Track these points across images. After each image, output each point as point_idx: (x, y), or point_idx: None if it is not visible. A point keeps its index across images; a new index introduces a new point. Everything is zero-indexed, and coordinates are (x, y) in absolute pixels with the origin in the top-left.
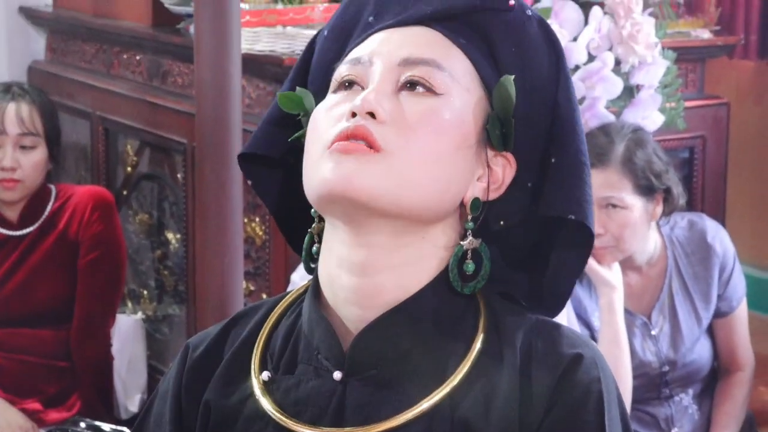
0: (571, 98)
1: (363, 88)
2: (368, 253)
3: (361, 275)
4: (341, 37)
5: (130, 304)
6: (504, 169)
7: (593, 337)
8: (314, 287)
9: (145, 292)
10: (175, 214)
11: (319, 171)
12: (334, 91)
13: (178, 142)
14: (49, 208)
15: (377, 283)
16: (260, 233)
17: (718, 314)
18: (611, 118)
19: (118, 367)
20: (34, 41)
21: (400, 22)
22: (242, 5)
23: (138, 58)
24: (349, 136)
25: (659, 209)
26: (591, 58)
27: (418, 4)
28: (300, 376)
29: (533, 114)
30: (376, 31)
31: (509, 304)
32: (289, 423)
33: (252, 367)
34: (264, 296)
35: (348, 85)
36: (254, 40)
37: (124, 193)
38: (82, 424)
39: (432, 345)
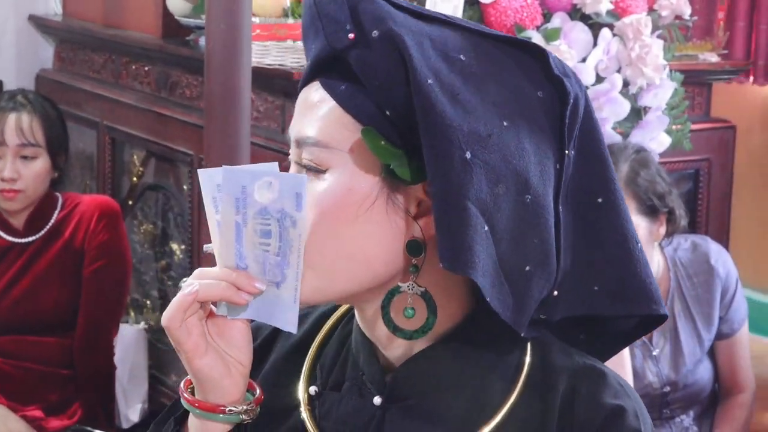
0: (429, 104)
1: None
2: (366, 313)
3: (372, 325)
4: None
5: (132, 314)
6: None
7: None
8: None
9: (148, 302)
10: (179, 225)
11: None
12: None
13: (185, 153)
14: (55, 216)
15: (390, 332)
16: None
17: (720, 336)
18: (618, 138)
19: (120, 376)
20: (42, 49)
21: (305, 80)
22: (253, 19)
23: (146, 69)
24: None
25: (662, 230)
26: (599, 79)
27: (310, 55)
28: (344, 394)
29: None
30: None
31: (559, 342)
32: None
33: (302, 377)
34: None
35: None
36: (264, 54)
37: (129, 203)
38: None
39: (473, 381)
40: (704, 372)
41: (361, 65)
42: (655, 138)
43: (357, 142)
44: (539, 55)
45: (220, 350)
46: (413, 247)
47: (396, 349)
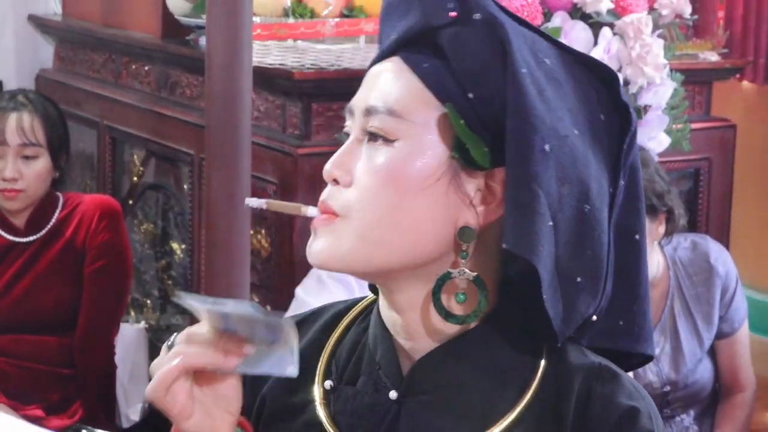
0: (522, 90)
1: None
2: (397, 297)
3: (400, 312)
4: None
5: (133, 313)
6: (502, 184)
7: None
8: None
9: (149, 302)
10: (180, 224)
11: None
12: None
13: (186, 152)
14: (56, 215)
15: (419, 319)
16: (266, 245)
17: (720, 335)
18: None
19: (120, 375)
20: (42, 49)
21: (382, 56)
22: (254, 18)
23: (146, 68)
24: (319, 211)
25: (661, 229)
26: None
27: (394, 31)
28: (360, 388)
29: (503, 121)
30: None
31: (576, 346)
32: None
33: (317, 373)
34: (268, 308)
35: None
36: (264, 54)
37: (130, 202)
38: None
39: (490, 379)
40: (704, 371)
41: (456, 44)
42: (655, 137)
43: (432, 118)
44: (610, 79)
45: (208, 406)
46: (466, 233)
47: (419, 341)
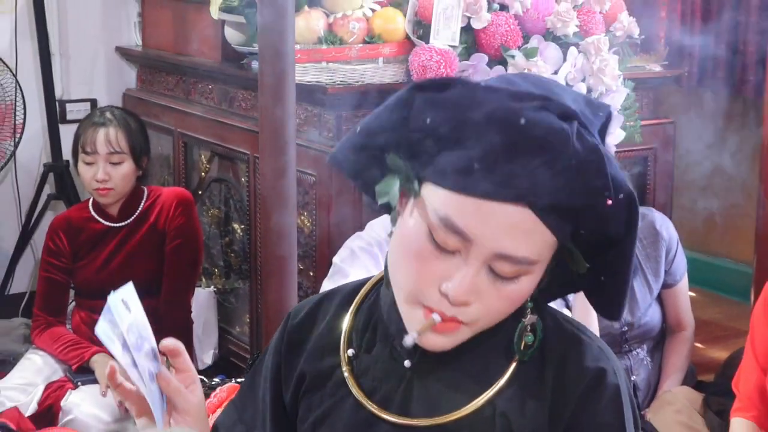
0: (632, 248)
1: (454, 252)
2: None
3: None
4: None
5: (204, 280)
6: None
7: (568, 306)
8: None
9: (216, 270)
10: (239, 210)
11: (413, 321)
12: (429, 239)
13: (243, 153)
14: (141, 205)
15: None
16: (308, 224)
17: (665, 286)
18: None
19: (195, 329)
20: (127, 74)
21: (496, 196)
22: (295, 45)
23: (210, 87)
24: (443, 320)
25: None
26: (568, 87)
27: (515, 179)
28: (377, 356)
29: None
30: (468, 194)
31: (552, 317)
32: (363, 400)
33: (341, 342)
34: (311, 274)
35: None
36: (304, 73)
37: (199, 192)
38: None
39: (485, 352)
40: (654, 314)
41: (602, 215)
42: (612, 132)
43: (549, 253)
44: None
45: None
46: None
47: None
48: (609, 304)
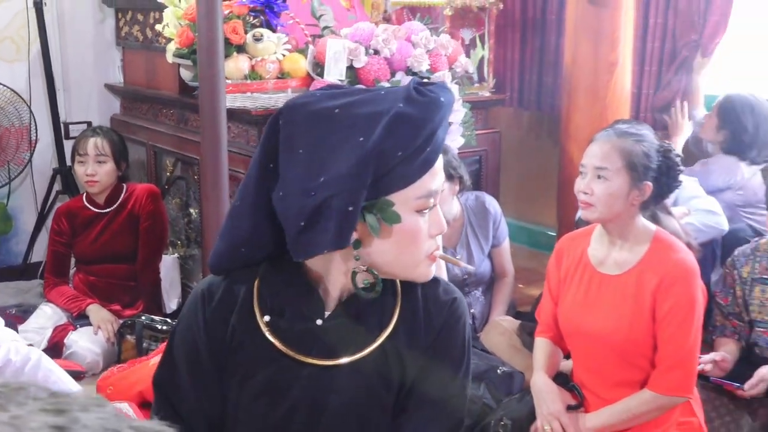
0: None
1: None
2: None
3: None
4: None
5: (170, 249)
6: None
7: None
8: (298, 266)
9: (179, 242)
10: (194, 199)
11: (420, 267)
12: (419, 211)
13: (196, 158)
14: (122, 196)
15: (337, 281)
16: None
17: (493, 246)
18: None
19: (164, 284)
20: (113, 103)
21: (436, 158)
22: (226, 80)
23: (172, 111)
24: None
25: (457, 188)
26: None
27: (439, 141)
28: (291, 319)
29: None
30: (428, 169)
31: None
32: (286, 350)
33: (255, 310)
34: None
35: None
36: (233, 101)
37: (166, 187)
38: (143, 318)
39: (377, 306)
40: (486, 267)
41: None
42: (455, 139)
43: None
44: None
45: None
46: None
47: (334, 289)
48: None
